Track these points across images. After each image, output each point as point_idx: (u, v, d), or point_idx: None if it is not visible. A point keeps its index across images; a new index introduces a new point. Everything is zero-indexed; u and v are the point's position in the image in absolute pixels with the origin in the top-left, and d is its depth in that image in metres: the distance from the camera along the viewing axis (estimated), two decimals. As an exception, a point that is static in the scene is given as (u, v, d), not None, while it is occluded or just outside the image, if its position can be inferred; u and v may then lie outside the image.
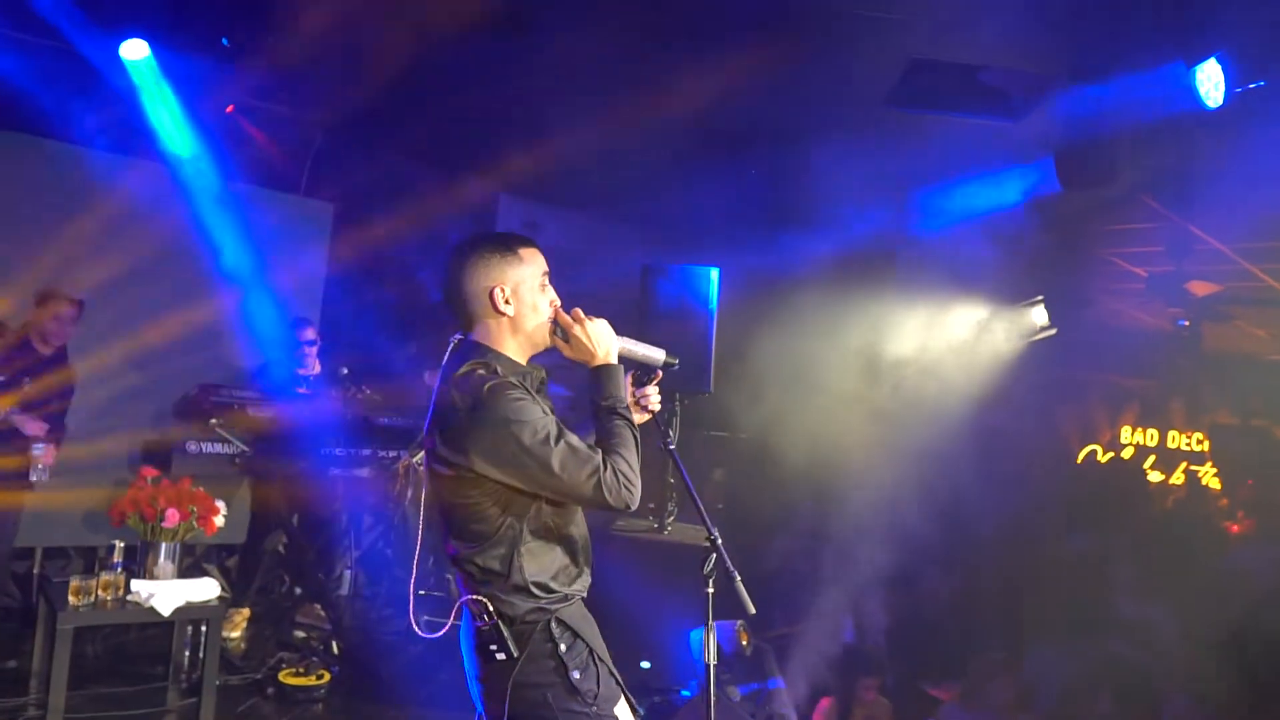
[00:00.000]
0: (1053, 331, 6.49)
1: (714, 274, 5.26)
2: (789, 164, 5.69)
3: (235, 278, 5.74)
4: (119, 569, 4.12)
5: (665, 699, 4.95)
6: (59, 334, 4.72)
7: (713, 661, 2.32)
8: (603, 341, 2.20)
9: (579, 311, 2.22)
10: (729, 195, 6.47)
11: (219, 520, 4.40)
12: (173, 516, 4.17)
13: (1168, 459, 10.53)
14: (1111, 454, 10.61)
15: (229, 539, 5.52)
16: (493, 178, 7.23)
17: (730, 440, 8.66)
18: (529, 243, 2.24)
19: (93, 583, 4.01)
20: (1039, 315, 6.53)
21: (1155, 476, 10.52)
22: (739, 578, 2.40)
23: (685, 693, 4.90)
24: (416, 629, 2.38)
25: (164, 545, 4.26)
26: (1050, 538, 7.20)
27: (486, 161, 6.94)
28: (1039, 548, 7.15)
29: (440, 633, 2.35)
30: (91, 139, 5.34)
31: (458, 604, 2.14)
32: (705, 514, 2.41)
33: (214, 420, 4.55)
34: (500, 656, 2.05)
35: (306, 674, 4.69)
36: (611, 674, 2.15)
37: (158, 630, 5.19)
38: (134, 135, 5.28)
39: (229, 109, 5.65)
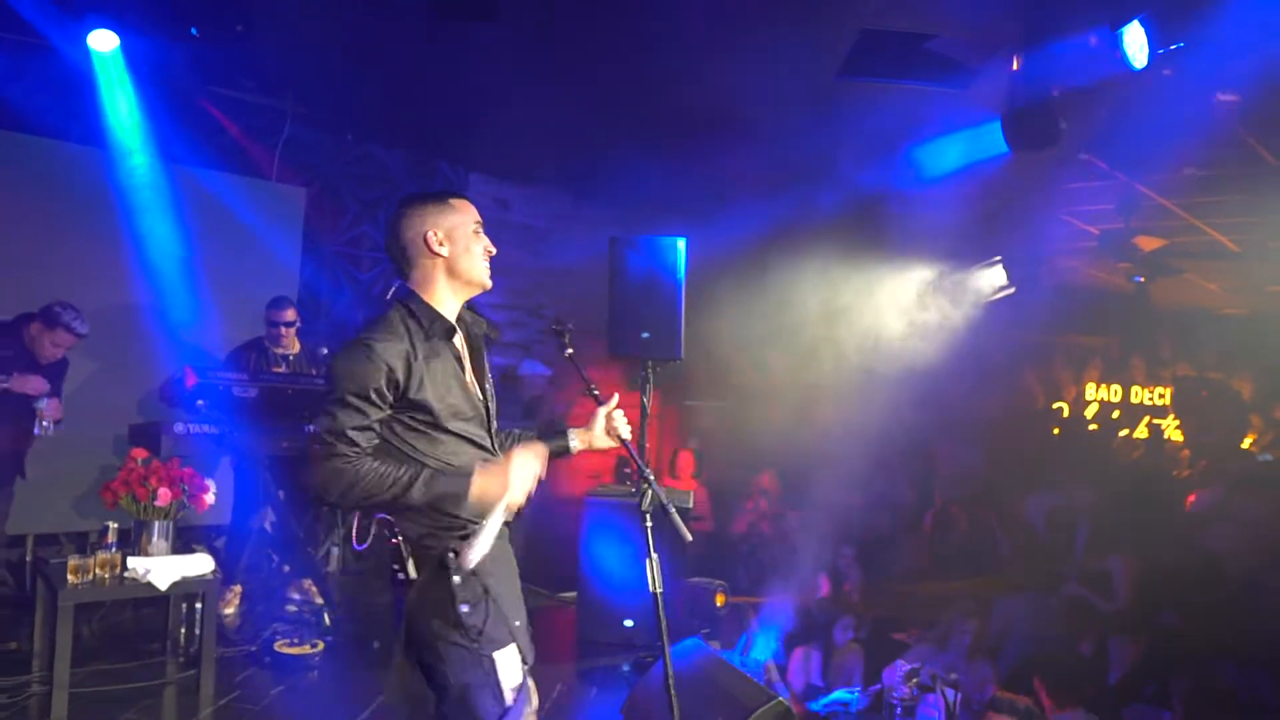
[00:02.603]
0: (1011, 290, 6.71)
1: (681, 244, 5.42)
2: (748, 137, 5.82)
3: (212, 263, 5.83)
4: (114, 548, 4.26)
5: (650, 655, 5.15)
6: (50, 356, 4.81)
7: (659, 590, 2.50)
8: (509, 485, 2.20)
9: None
10: (693, 169, 6.62)
11: (209, 498, 4.53)
12: (165, 495, 4.29)
13: (1131, 414, 10.81)
14: (1076, 411, 10.89)
15: (217, 520, 5.67)
16: (461, 158, 7.33)
17: (703, 410, 8.88)
18: (461, 195, 2.41)
19: (90, 561, 4.14)
20: (997, 275, 6.75)
21: (1120, 432, 10.79)
22: (673, 509, 2.59)
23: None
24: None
25: (157, 524, 4.38)
26: (1018, 494, 7.43)
27: (455, 143, 7.05)
28: (1007, 504, 7.38)
29: (364, 545, 2.49)
30: (63, 132, 5.40)
31: (370, 522, 2.27)
32: (638, 455, 2.60)
33: (200, 401, 4.67)
34: (401, 576, 2.19)
35: (300, 644, 4.85)
36: (503, 617, 2.20)
37: (151, 609, 5.34)
38: (104, 126, 5.34)
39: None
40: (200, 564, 4.39)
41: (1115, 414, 10.90)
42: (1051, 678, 4.47)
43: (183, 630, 4.78)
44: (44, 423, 4.64)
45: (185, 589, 4.34)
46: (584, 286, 7.58)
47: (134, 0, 4.37)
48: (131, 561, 4.23)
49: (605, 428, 2.62)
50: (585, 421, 2.64)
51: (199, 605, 4.85)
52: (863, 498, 6.99)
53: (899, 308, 6.99)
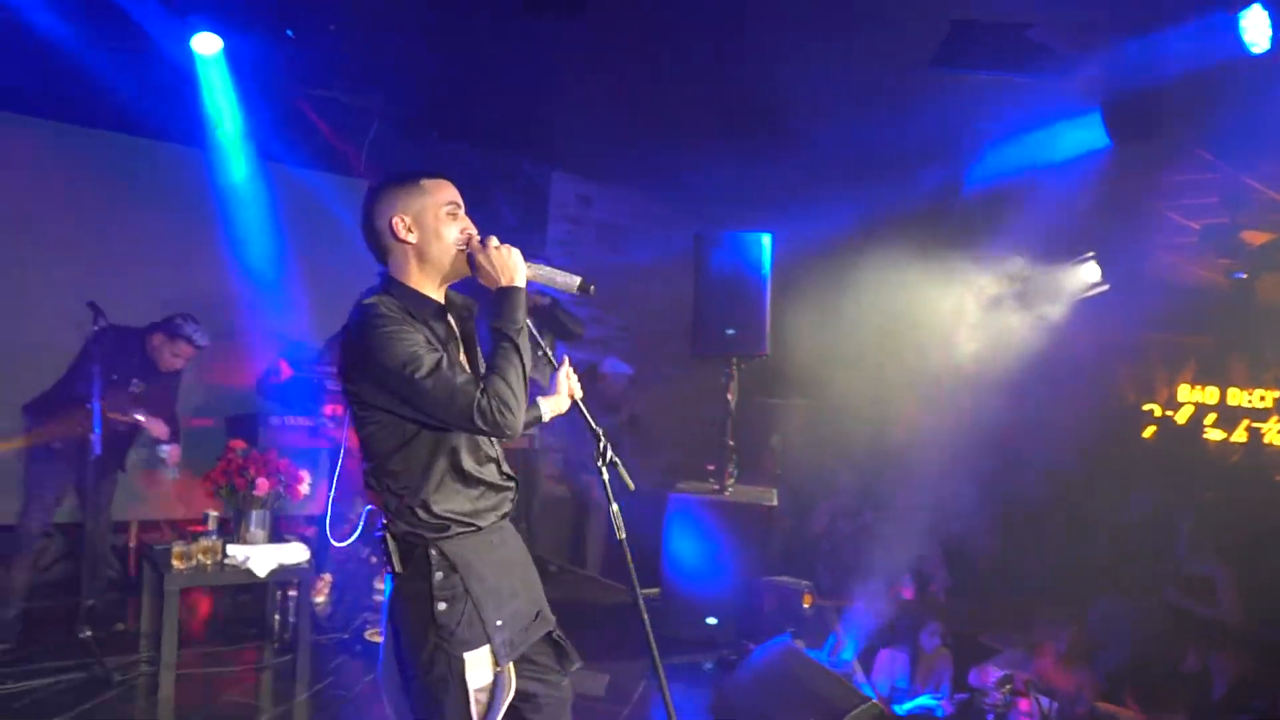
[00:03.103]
0: (1105, 287, 6.50)
1: (766, 240, 5.40)
2: (829, 132, 5.75)
3: (305, 258, 6.00)
4: (214, 536, 4.40)
5: (733, 652, 5.12)
6: (170, 366, 5.00)
7: (622, 537, 2.49)
8: (508, 267, 2.19)
9: (492, 239, 2.23)
10: (773, 165, 6.56)
11: (304, 488, 4.64)
12: (263, 485, 4.41)
13: (1229, 416, 10.37)
14: (1170, 413, 10.49)
15: (309, 509, 5.81)
16: (544, 157, 7.40)
17: (785, 407, 8.80)
18: (435, 175, 2.28)
19: (193, 548, 4.28)
20: (1090, 272, 6.54)
21: (1216, 435, 10.37)
22: (620, 462, 2.55)
23: (753, 645, 5.06)
24: (330, 538, 2.50)
25: (254, 513, 4.50)
26: (1110, 497, 7.20)
27: (538, 141, 7.12)
28: (1099, 507, 7.16)
29: (347, 541, 2.50)
30: (166, 133, 5.60)
31: (362, 513, 2.27)
32: (589, 416, 2.55)
33: (296, 394, 4.79)
34: (387, 568, 2.18)
35: (390, 633, 4.93)
36: (481, 620, 2.14)
37: (246, 596, 5.51)
38: (203, 127, 5.54)
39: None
40: (296, 553, 4.50)
41: (1211, 416, 10.49)
42: (1149, 689, 4.32)
43: (276, 617, 4.92)
44: (169, 466, 4.93)
45: (281, 576, 4.46)
46: (664, 283, 7.60)
47: (234, 3, 4.49)
48: (231, 549, 4.36)
49: (567, 390, 2.63)
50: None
51: (292, 593, 5.02)
52: (947, 497, 6.84)
53: (984, 305, 6.84)
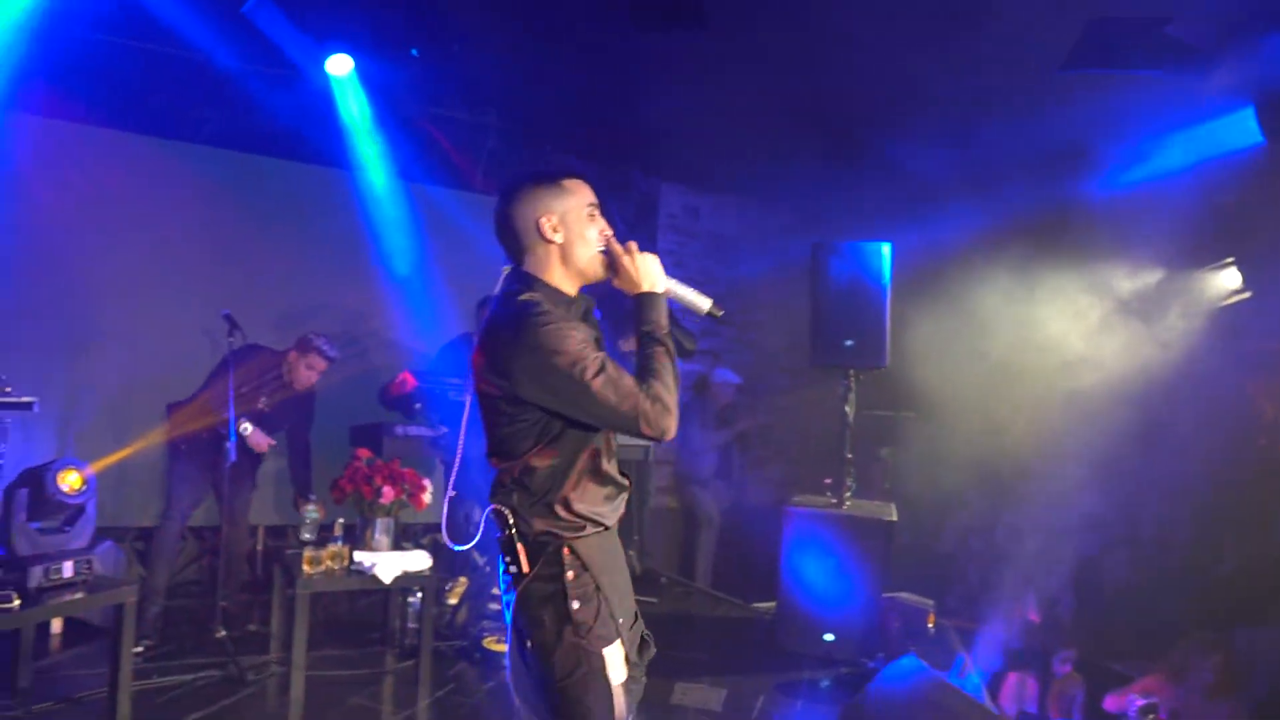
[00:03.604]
0: (1247, 295, 6.14)
1: (886, 249, 5.30)
2: (944, 139, 5.60)
3: (426, 272, 6.15)
4: (340, 541, 4.52)
5: (851, 670, 5.01)
6: (305, 380, 5.17)
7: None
8: (649, 273, 2.21)
9: (633, 244, 2.24)
10: (893, 174, 6.43)
11: (426, 497, 4.74)
12: (388, 493, 4.51)
13: (1378, 433, 9.68)
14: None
15: (429, 518, 5.94)
16: (654, 168, 7.42)
17: (893, 419, 8.59)
18: (574, 174, 2.27)
19: (322, 554, 4.40)
20: (1230, 278, 6.19)
21: (1363, 452, 9.69)
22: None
23: (872, 664, 4.94)
24: (445, 539, 2.48)
25: (379, 520, 4.61)
26: (1248, 520, 6.79)
27: (648, 153, 7.15)
28: (1235, 530, 6.76)
29: (470, 545, 2.46)
30: (298, 153, 5.83)
31: (484, 512, 2.23)
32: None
33: (418, 405, 4.89)
34: (513, 569, 2.12)
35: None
36: (612, 616, 2.13)
37: (368, 601, 5.65)
38: (328, 145, 5.75)
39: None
40: (419, 560, 4.59)
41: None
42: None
43: (396, 623, 5.03)
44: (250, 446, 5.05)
45: (406, 583, 4.55)
46: (774, 294, 7.52)
47: (363, 25, 4.64)
48: (358, 555, 4.47)
49: None
50: None
51: (412, 600, 5.12)
52: (1072, 517, 6.57)
53: (1111, 316, 6.55)
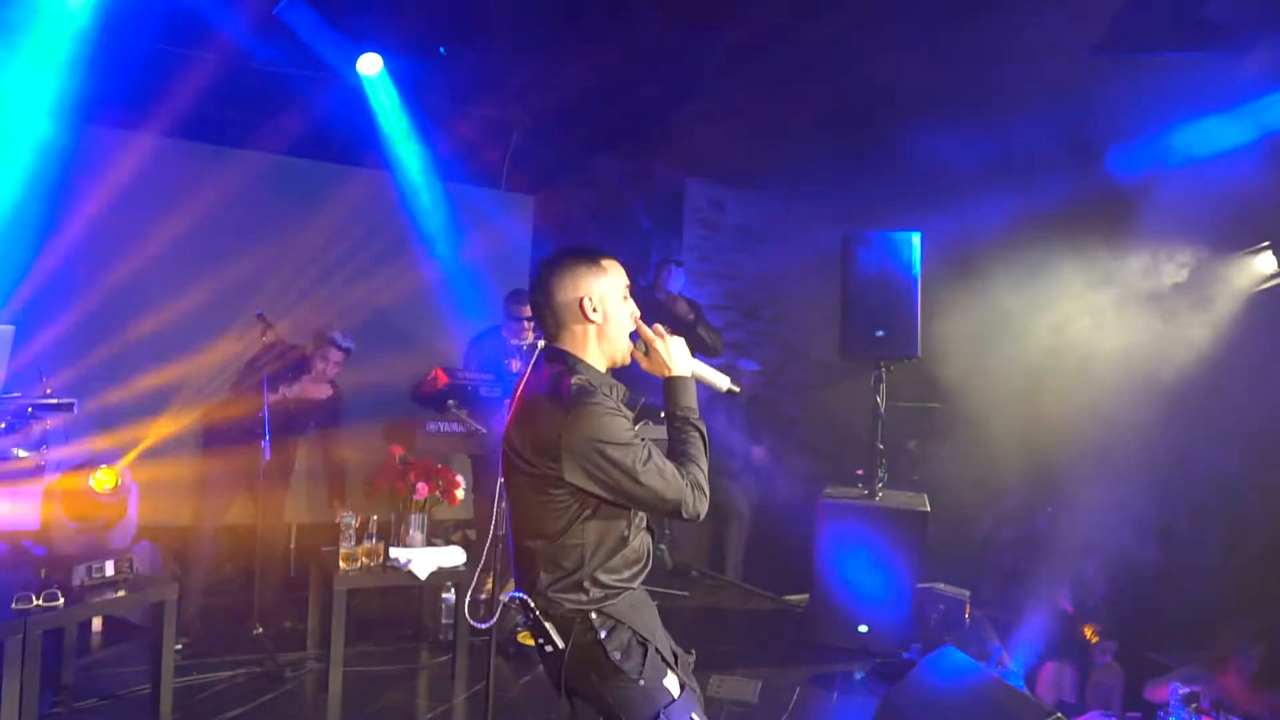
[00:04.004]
0: (1282, 279, 6.05)
1: (915, 239, 5.27)
2: (986, 126, 5.54)
3: (455, 270, 6.18)
4: (374, 539, 4.54)
5: (886, 661, 4.98)
6: (323, 372, 5.21)
7: None
8: (678, 357, 2.31)
9: (660, 327, 2.33)
10: (920, 163, 6.38)
11: (460, 493, 4.76)
12: (422, 490, 4.54)
13: None
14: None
15: (459, 514, 5.96)
16: (678, 162, 7.41)
17: (919, 411, 8.54)
18: (610, 255, 2.31)
19: (358, 550, 4.43)
20: (1265, 262, 6.11)
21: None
22: None
23: (907, 655, 4.91)
24: (467, 618, 2.47)
25: (414, 517, 4.64)
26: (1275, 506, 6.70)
27: (672, 147, 7.13)
28: (1267, 517, 6.67)
29: (488, 624, 2.47)
30: (321, 152, 5.87)
31: (505, 596, 2.24)
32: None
33: (451, 401, 4.91)
34: (549, 648, 2.16)
35: (541, 635, 4.99)
36: (657, 652, 2.18)
37: (398, 597, 5.67)
38: (356, 145, 5.78)
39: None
40: (454, 556, 4.61)
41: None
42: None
43: (430, 619, 5.04)
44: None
45: (441, 579, 4.57)
46: (800, 286, 7.48)
47: (391, 24, 4.65)
48: (393, 552, 4.49)
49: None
50: None
51: (445, 595, 5.13)
52: (1108, 505, 6.50)
53: (1144, 302, 6.47)
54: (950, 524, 7.42)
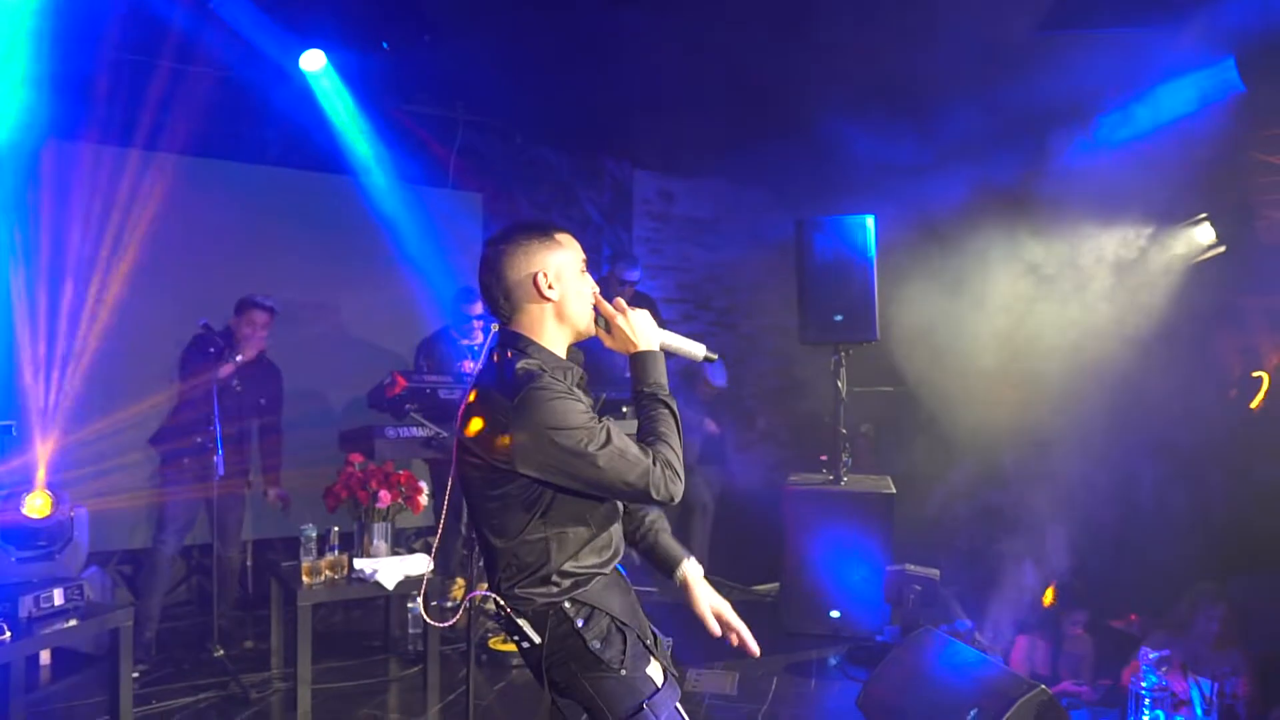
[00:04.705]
0: (1221, 249, 6.21)
1: (870, 221, 5.28)
2: (931, 108, 5.58)
3: (402, 271, 6.05)
4: (336, 550, 4.40)
5: (860, 645, 4.99)
6: (254, 340, 4.96)
7: None
8: (644, 331, 2.16)
9: (620, 301, 2.19)
10: (857, 148, 6.40)
11: (424, 499, 4.64)
12: (385, 497, 4.41)
13: (1345, 379, 9.88)
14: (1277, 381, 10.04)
15: (421, 522, 5.83)
16: (626, 155, 7.35)
17: (870, 395, 8.61)
18: (564, 229, 2.18)
19: (321, 563, 4.29)
20: (1203, 234, 6.26)
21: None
22: None
23: (881, 637, 4.93)
24: (424, 615, 2.36)
25: (377, 526, 4.51)
26: (1230, 472, 6.89)
27: (620, 139, 7.07)
28: (1220, 482, 6.86)
29: (449, 623, 2.36)
30: (274, 157, 5.69)
31: (465, 595, 2.12)
32: None
33: (410, 406, 4.78)
34: (524, 644, 2.06)
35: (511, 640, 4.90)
36: (639, 639, 2.07)
37: (359, 611, 5.54)
38: (304, 149, 5.61)
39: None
40: (419, 564, 4.49)
41: (1323, 382, 10.02)
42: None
43: (398, 630, 4.92)
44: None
45: (408, 588, 4.45)
46: (752, 275, 7.49)
47: (333, 17, 4.51)
48: (358, 563, 4.36)
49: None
50: None
51: (411, 605, 5.01)
52: (1063, 479, 6.61)
53: (1088, 278, 6.59)
54: (909, 506, 7.50)
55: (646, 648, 2.08)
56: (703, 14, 5.25)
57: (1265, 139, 5.75)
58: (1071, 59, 5.07)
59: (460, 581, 5.45)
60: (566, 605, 2.01)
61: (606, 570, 2.08)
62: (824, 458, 5.61)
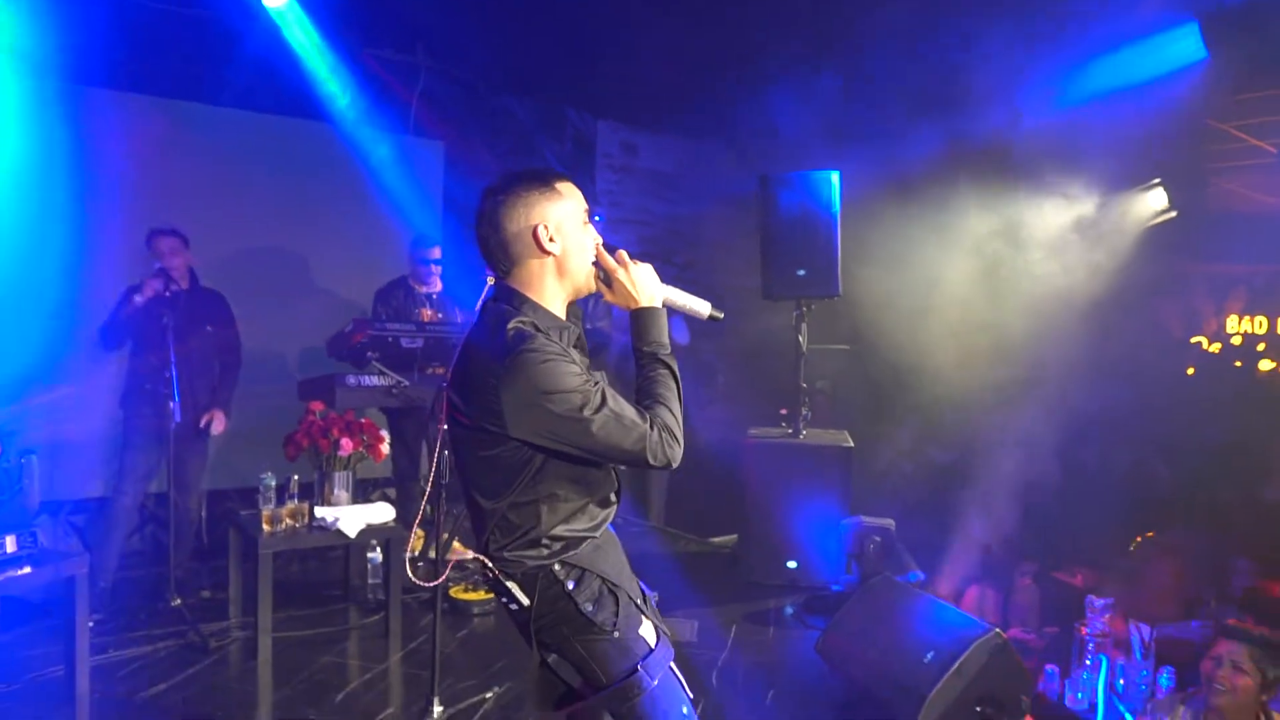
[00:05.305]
0: (1173, 214, 6.35)
1: (835, 177, 5.31)
2: (896, 63, 5.59)
3: (359, 218, 5.94)
4: (295, 499, 4.36)
5: (816, 594, 5.10)
6: (175, 266, 4.72)
7: None
8: (647, 286, 2.07)
9: (623, 254, 2.10)
10: (820, 105, 6.39)
11: (385, 448, 4.61)
12: (347, 445, 4.38)
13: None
14: (1219, 344, 10.36)
15: (383, 472, 5.79)
16: (589, 106, 7.26)
17: (826, 352, 8.70)
18: (566, 177, 2.08)
19: (281, 511, 4.26)
20: (1156, 199, 6.39)
21: (1265, 365, 10.25)
22: None
23: (837, 586, 5.04)
24: (411, 576, 2.35)
25: (338, 474, 4.48)
26: (1171, 432, 7.12)
27: (582, 90, 6.99)
28: (1160, 440, 7.08)
29: (434, 583, 2.33)
30: (232, 99, 5.51)
31: (454, 558, 2.07)
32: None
33: (371, 354, 4.73)
34: (513, 606, 2.01)
35: (476, 589, 4.92)
36: (630, 599, 2.03)
37: (319, 561, 5.51)
38: (264, 91, 5.46)
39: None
40: (382, 512, 4.48)
41: (1261, 346, 10.35)
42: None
43: (358, 579, 4.91)
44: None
45: (371, 535, 4.44)
46: (714, 232, 7.47)
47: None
48: (320, 511, 4.34)
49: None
50: None
51: (371, 555, 5.00)
52: (1010, 437, 6.76)
53: (1042, 240, 6.69)
54: (865, 461, 7.63)
55: (638, 608, 2.05)
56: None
57: (1224, 106, 5.87)
58: (1038, 22, 5.12)
59: (420, 534, 5.43)
60: (556, 568, 1.97)
61: (598, 534, 2.03)
62: (784, 411, 5.67)
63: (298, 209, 5.84)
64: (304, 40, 5.32)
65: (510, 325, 1.91)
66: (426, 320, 5.36)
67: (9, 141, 4.81)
